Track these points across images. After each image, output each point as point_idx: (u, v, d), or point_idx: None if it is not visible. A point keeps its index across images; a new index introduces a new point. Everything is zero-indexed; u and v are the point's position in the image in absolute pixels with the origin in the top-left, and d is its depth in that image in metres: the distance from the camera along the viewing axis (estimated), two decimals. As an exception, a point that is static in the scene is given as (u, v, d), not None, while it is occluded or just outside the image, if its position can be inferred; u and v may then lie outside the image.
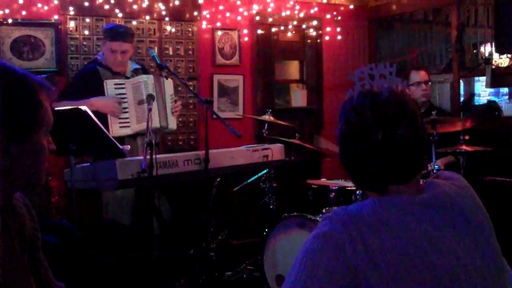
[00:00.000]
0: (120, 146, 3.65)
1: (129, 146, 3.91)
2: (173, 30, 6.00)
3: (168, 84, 4.35)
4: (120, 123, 4.24)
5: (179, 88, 5.78)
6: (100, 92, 4.27)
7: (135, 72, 4.48)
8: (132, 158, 3.63)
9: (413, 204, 1.54)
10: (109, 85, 4.27)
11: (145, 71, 4.51)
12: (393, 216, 1.51)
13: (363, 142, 1.58)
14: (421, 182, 1.66)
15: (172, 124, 4.39)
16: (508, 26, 4.52)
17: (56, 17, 5.52)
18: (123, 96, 4.26)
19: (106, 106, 4.22)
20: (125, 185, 3.63)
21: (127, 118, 4.25)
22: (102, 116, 4.16)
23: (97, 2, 5.60)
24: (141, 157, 3.51)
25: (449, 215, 1.55)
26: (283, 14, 6.59)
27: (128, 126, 4.25)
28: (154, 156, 3.46)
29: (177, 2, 5.95)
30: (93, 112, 4.28)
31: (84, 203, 5.04)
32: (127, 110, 4.25)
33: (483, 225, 1.60)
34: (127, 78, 4.41)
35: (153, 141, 3.48)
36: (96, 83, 4.31)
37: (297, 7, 6.67)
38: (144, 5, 5.80)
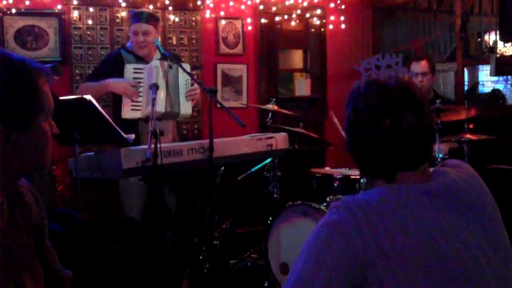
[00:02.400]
0: (125, 135, 3.66)
1: (133, 135, 3.90)
2: (177, 19, 6.00)
3: (183, 70, 4.31)
4: (132, 105, 4.27)
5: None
6: (122, 75, 4.34)
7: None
8: (137, 147, 3.64)
9: (422, 192, 1.54)
10: (128, 69, 4.33)
11: (175, 59, 4.40)
12: (402, 204, 1.51)
13: (370, 129, 1.58)
14: (429, 171, 1.66)
15: (186, 109, 4.36)
16: (513, 14, 4.51)
17: (59, 6, 5.53)
18: (140, 80, 4.29)
19: (119, 87, 4.29)
20: (130, 174, 3.63)
21: (140, 102, 4.27)
22: (119, 98, 4.32)
23: (101, -9, 5.61)
24: (145, 146, 3.52)
25: (458, 204, 1.55)
26: (287, 3, 6.58)
27: (139, 110, 4.27)
28: (158, 145, 3.46)
29: (180, -9, 5.95)
30: (111, 93, 4.43)
31: (89, 193, 5.06)
32: (141, 94, 4.27)
33: (492, 214, 1.61)
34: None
35: (158, 130, 3.48)
36: (118, 66, 4.38)
37: (301, -5, 6.66)
38: (148, -6, 5.80)
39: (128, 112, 4.27)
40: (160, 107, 4.11)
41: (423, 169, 1.62)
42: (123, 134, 3.64)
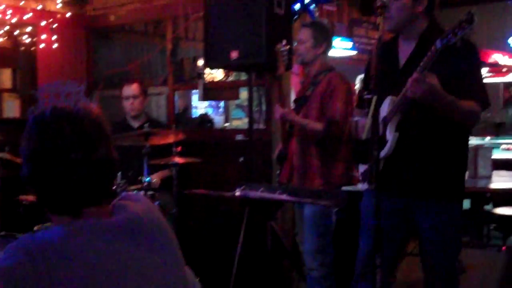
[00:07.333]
0: None
1: None
2: None
3: None
4: None
5: None
6: None
7: None
8: None
9: (106, 228, 1.50)
10: None
11: None
12: (85, 243, 1.44)
13: (61, 162, 1.49)
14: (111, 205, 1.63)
15: None
16: (217, 41, 4.74)
17: None
18: None
19: None
20: None
21: None
22: None
23: None
24: None
25: (142, 237, 1.54)
26: (-6, 18, 6.20)
27: None
28: None
29: None
30: None
31: None
32: None
33: (172, 243, 1.63)
34: None
35: None
36: None
37: (9, 11, 6.28)
38: None
39: None
40: None
41: (107, 203, 1.59)
42: None
